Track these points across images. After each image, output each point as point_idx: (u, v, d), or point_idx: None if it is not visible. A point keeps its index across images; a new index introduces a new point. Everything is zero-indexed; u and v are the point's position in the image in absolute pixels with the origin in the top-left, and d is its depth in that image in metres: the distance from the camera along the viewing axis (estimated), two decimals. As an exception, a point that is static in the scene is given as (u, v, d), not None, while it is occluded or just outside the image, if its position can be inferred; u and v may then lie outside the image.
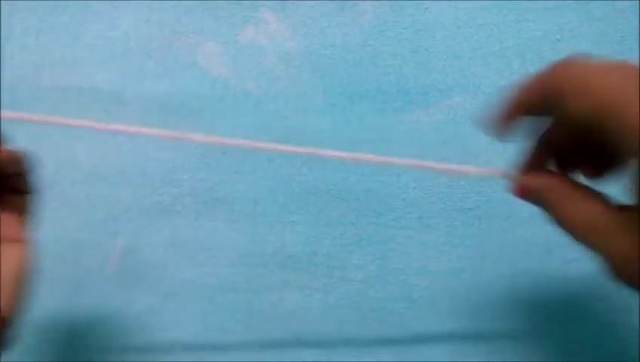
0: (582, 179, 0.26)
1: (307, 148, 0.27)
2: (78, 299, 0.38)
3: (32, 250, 0.28)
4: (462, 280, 0.38)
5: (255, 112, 0.41)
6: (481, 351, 0.37)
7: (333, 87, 0.41)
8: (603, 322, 0.36)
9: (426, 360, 0.37)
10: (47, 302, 0.37)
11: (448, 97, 0.41)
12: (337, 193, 0.39)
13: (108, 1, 0.43)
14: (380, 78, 0.41)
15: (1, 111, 0.26)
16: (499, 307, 0.37)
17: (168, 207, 0.39)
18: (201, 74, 0.42)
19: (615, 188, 0.24)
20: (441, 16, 0.42)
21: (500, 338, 0.37)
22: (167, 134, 0.27)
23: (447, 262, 0.38)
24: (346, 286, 0.38)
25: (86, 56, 0.42)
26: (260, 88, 0.41)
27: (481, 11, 0.42)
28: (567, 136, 0.25)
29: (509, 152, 0.27)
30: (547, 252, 0.37)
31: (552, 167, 0.27)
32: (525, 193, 0.26)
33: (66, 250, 0.39)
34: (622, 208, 0.23)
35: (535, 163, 0.26)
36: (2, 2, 0.43)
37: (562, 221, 0.24)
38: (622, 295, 0.36)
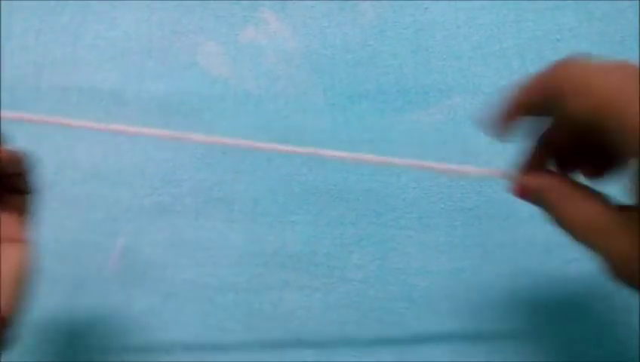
0: (582, 179, 0.26)
1: (307, 148, 0.27)
2: (78, 299, 0.38)
3: (32, 250, 0.28)
4: (462, 280, 0.38)
5: (255, 112, 0.41)
6: (481, 351, 0.37)
7: (333, 87, 0.41)
8: (603, 322, 0.36)
9: (426, 360, 0.37)
10: (47, 302, 0.37)
11: (448, 97, 0.41)
12: (337, 193, 0.39)
13: (108, 1, 0.43)
14: (379, 78, 0.41)
15: (1, 111, 0.26)
16: (499, 307, 0.37)
17: (168, 207, 0.39)
18: (201, 74, 0.42)
19: (615, 188, 0.24)
20: (441, 16, 0.42)
21: (500, 338, 0.37)
22: (168, 134, 0.27)
23: (447, 262, 0.38)
24: (346, 286, 0.38)
25: (86, 56, 0.42)
26: (260, 88, 0.41)
27: (481, 11, 0.42)
28: (567, 137, 0.25)
29: (509, 152, 0.27)
30: (547, 252, 0.37)
31: (552, 167, 0.27)
32: (525, 193, 0.26)
33: (66, 250, 0.39)
34: (622, 208, 0.23)
35: (535, 163, 0.26)
36: (2, 2, 0.43)
37: (562, 221, 0.24)
38: (622, 295, 0.36)
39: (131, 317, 0.38)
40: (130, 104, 0.41)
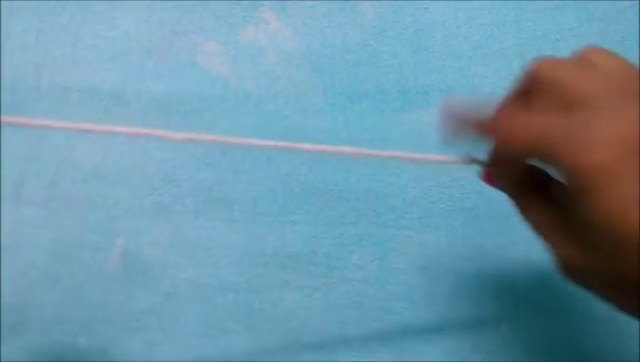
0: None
1: (307, 145, 0.28)
2: (78, 299, 0.38)
3: None
4: (462, 281, 0.38)
5: (255, 112, 0.41)
6: (481, 351, 0.37)
7: (333, 87, 0.41)
8: (603, 321, 0.37)
9: (426, 360, 0.37)
10: (47, 302, 0.37)
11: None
12: (337, 193, 0.39)
13: (108, 1, 0.43)
14: (380, 78, 0.41)
15: (2, 115, 0.26)
16: (499, 307, 0.37)
17: (168, 207, 0.39)
18: (201, 74, 0.42)
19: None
20: (441, 16, 0.42)
21: (501, 339, 0.37)
22: (168, 134, 0.27)
23: (447, 262, 0.38)
24: (346, 286, 0.38)
25: (86, 56, 0.42)
26: (260, 88, 0.41)
27: (481, 11, 0.42)
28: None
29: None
30: (547, 252, 0.37)
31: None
32: (492, 181, 0.27)
33: (66, 250, 0.39)
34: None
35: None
36: (2, 2, 0.43)
37: (520, 212, 0.26)
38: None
39: (131, 317, 0.38)
40: (130, 104, 0.41)
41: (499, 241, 0.38)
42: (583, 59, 0.23)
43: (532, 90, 0.23)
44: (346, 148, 0.28)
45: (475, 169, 0.28)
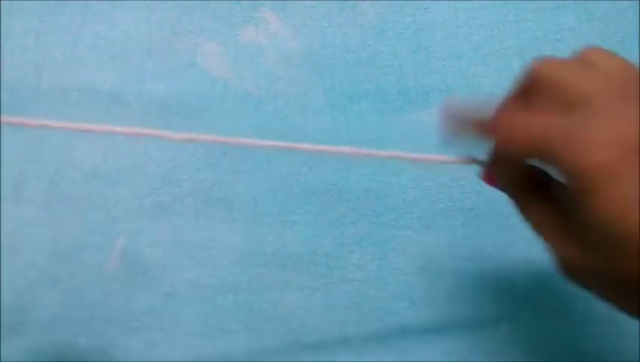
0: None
1: (307, 145, 0.28)
2: (78, 299, 0.38)
3: None
4: (462, 280, 0.38)
5: (255, 112, 0.41)
6: (481, 351, 0.37)
7: (333, 87, 0.41)
8: (603, 321, 0.36)
9: (425, 360, 0.37)
10: (47, 302, 0.37)
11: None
12: (337, 193, 0.39)
13: (108, 1, 0.43)
14: (380, 78, 0.41)
15: (2, 115, 0.26)
16: (499, 307, 0.37)
17: (168, 207, 0.39)
18: (201, 74, 0.42)
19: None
20: (441, 16, 0.42)
21: (500, 338, 0.37)
22: (168, 134, 0.27)
23: (447, 262, 0.38)
24: (346, 286, 0.38)
25: (86, 56, 0.42)
26: (260, 88, 0.41)
27: (481, 11, 0.42)
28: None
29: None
30: (547, 252, 0.37)
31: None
32: (492, 181, 0.27)
33: (66, 250, 0.39)
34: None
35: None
36: (2, 2, 0.43)
37: (520, 212, 0.26)
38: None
39: (131, 318, 0.38)
40: (130, 104, 0.41)
41: (499, 241, 0.38)
42: (583, 59, 0.23)
43: (532, 90, 0.23)
44: (346, 148, 0.28)
45: (475, 169, 0.28)
